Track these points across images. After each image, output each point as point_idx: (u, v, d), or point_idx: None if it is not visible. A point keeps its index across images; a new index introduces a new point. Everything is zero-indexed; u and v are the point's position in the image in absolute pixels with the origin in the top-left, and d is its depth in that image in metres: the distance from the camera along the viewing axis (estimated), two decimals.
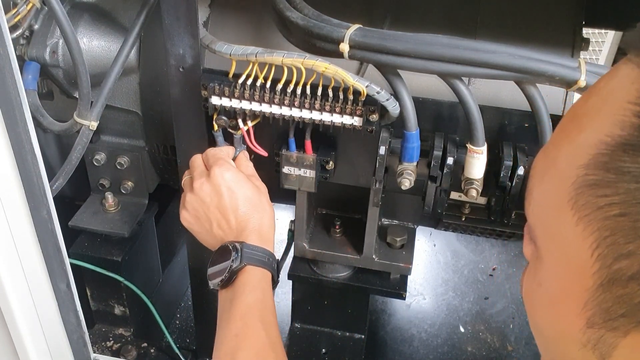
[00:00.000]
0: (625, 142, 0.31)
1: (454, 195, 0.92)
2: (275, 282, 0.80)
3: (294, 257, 1.12)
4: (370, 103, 0.81)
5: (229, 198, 0.80)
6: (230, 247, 0.77)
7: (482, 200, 0.92)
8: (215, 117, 0.88)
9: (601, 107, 0.34)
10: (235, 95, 0.84)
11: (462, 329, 1.48)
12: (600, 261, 0.33)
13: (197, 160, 0.87)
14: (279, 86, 0.82)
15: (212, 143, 0.93)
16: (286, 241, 1.10)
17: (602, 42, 2.04)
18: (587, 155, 0.33)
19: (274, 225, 0.83)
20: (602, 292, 0.33)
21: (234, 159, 0.91)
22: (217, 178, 0.81)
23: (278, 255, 0.85)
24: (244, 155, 0.92)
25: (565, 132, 0.37)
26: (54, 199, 0.81)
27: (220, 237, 0.81)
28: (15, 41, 0.92)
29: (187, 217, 0.84)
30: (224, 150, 0.89)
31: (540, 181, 0.38)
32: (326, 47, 0.78)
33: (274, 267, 0.79)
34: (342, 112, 0.82)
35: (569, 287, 0.35)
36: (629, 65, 0.34)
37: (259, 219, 0.81)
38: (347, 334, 1.25)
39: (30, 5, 0.92)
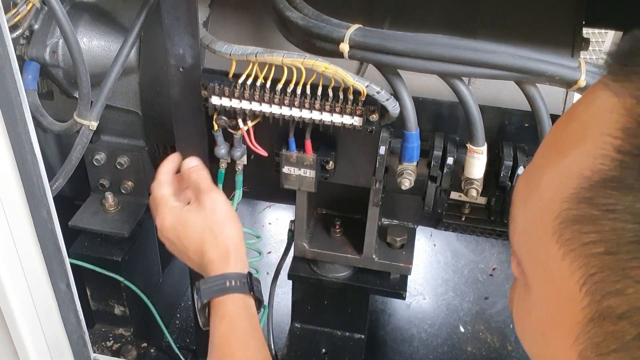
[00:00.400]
0: (609, 178, 0.30)
1: (454, 195, 0.92)
2: (256, 298, 0.78)
3: (294, 257, 1.12)
4: (370, 103, 0.81)
5: (179, 243, 0.81)
6: (194, 289, 0.78)
7: (482, 200, 0.92)
8: (215, 117, 0.88)
9: (581, 137, 0.33)
10: (235, 95, 0.84)
11: (462, 329, 1.48)
12: (589, 296, 0.32)
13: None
14: (279, 86, 0.82)
15: (212, 143, 0.93)
16: (286, 241, 1.10)
17: (602, 42, 2.04)
18: (569, 188, 0.32)
19: (236, 239, 0.81)
20: (592, 326, 0.32)
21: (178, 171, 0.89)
22: (161, 230, 0.83)
23: (277, 255, 0.84)
24: (194, 167, 0.88)
25: (547, 159, 0.36)
26: (54, 199, 0.81)
27: (198, 271, 0.83)
28: (15, 41, 0.92)
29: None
30: (163, 172, 0.87)
31: (523, 209, 0.37)
32: (326, 47, 0.78)
33: (244, 285, 0.77)
34: (342, 112, 0.82)
35: (560, 320, 0.35)
36: (606, 92, 0.32)
37: (213, 246, 0.79)
38: (347, 334, 1.25)
39: (30, 5, 0.92)
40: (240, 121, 0.87)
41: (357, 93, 0.80)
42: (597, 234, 0.31)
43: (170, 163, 0.89)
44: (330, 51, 0.78)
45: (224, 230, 0.81)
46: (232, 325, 0.74)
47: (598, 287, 0.31)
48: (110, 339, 1.29)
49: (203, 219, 0.81)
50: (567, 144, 0.34)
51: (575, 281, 0.32)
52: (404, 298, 1.14)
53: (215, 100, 0.85)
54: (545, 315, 0.36)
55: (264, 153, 0.90)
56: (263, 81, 0.83)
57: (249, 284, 0.78)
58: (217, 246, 0.79)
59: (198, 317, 0.78)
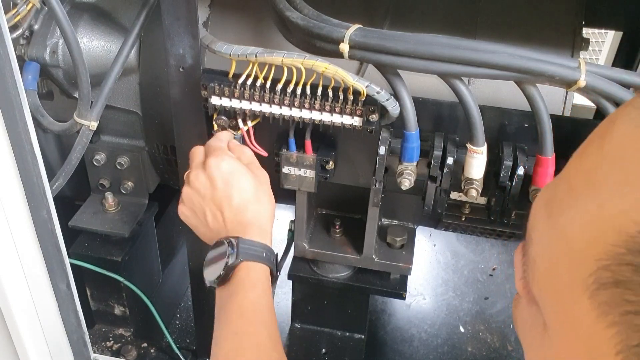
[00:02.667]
0: None
1: (454, 195, 0.92)
2: (274, 277, 0.77)
3: (294, 257, 1.12)
4: (370, 103, 0.81)
5: (224, 189, 0.76)
6: (226, 242, 0.73)
7: (482, 200, 0.92)
8: (215, 117, 0.88)
9: (622, 182, 0.28)
10: (235, 95, 0.84)
11: (462, 329, 1.48)
12: None
13: (195, 151, 0.83)
14: (279, 86, 0.82)
15: None
16: (286, 241, 1.10)
17: (602, 42, 2.04)
18: (607, 243, 0.27)
19: (272, 218, 0.79)
20: None
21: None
22: (212, 169, 0.77)
23: (277, 251, 0.84)
24: (238, 143, 0.87)
25: (578, 199, 0.30)
26: (54, 199, 0.81)
27: (216, 230, 0.78)
28: (15, 41, 0.92)
29: (184, 211, 0.80)
30: (223, 138, 0.85)
31: (546, 252, 0.32)
32: (326, 47, 0.78)
33: (273, 262, 0.76)
34: (342, 112, 0.82)
35: None
36: None
37: (256, 211, 0.77)
38: (347, 334, 1.25)
39: (30, 5, 0.92)
40: (240, 121, 0.87)
41: (357, 93, 0.80)
42: None
43: (228, 133, 0.88)
44: (330, 51, 0.78)
45: (268, 204, 0.79)
46: (262, 295, 0.73)
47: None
48: (110, 339, 1.29)
49: (255, 182, 0.79)
50: (602, 185, 0.29)
51: (611, 346, 0.28)
52: (404, 298, 1.14)
53: (215, 100, 0.85)
54: None
55: (264, 153, 0.90)
56: (263, 81, 0.83)
57: (276, 262, 0.78)
58: (260, 213, 0.77)
59: (211, 273, 0.74)
